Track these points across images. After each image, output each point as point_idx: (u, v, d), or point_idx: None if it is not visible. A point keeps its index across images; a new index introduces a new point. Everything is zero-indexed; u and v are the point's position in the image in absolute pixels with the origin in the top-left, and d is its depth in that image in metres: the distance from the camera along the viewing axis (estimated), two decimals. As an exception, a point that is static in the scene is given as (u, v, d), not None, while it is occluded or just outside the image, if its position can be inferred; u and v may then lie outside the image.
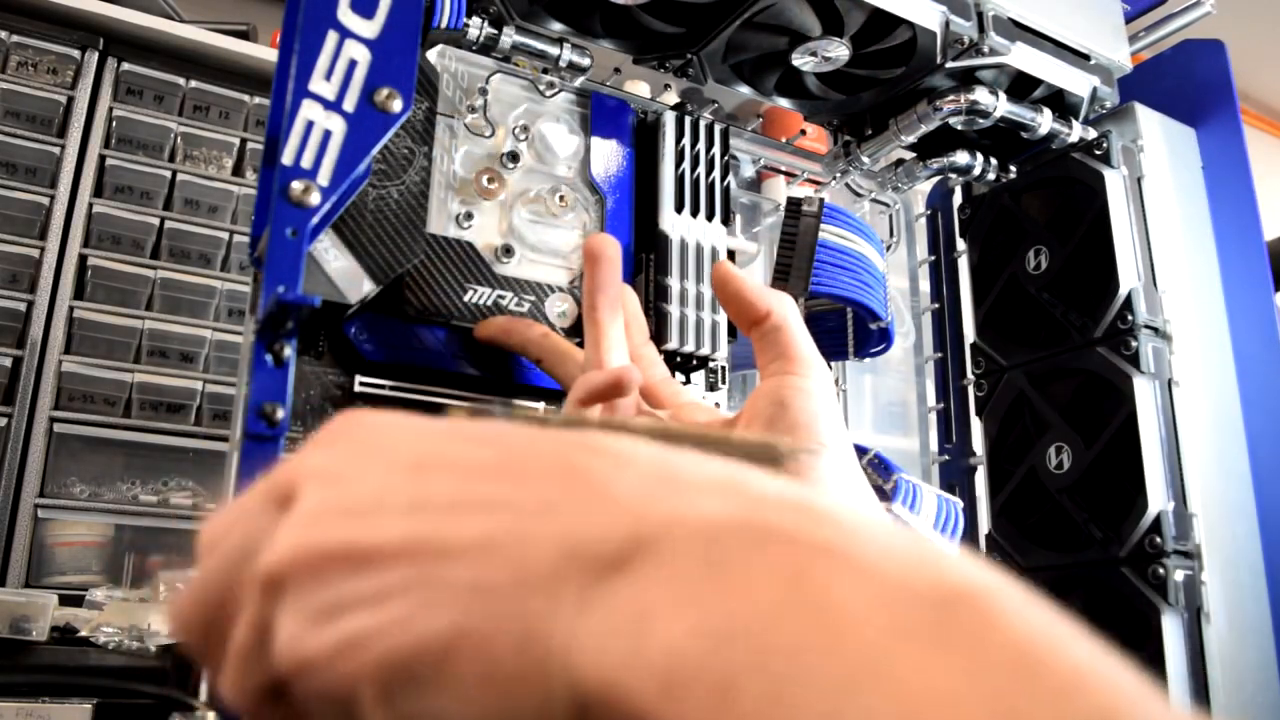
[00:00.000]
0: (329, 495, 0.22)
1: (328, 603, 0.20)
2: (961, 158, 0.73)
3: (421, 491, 0.21)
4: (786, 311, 0.41)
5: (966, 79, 0.67)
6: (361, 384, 0.47)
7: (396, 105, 0.40)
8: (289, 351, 0.35)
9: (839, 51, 0.62)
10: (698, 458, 0.21)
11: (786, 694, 0.15)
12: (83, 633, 0.95)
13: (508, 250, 0.52)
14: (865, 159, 0.73)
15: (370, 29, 0.40)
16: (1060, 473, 0.70)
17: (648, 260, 0.56)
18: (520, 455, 0.21)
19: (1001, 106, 0.67)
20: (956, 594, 0.17)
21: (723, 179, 0.58)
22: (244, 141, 1.65)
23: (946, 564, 0.17)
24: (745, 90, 0.67)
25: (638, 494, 0.19)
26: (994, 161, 0.76)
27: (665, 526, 0.18)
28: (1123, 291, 0.68)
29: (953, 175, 0.76)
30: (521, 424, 0.23)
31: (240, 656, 0.22)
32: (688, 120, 0.58)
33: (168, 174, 1.57)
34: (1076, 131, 0.72)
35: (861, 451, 0.50)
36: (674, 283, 0.55)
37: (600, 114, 0.58)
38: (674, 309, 0.54)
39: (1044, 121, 0.70)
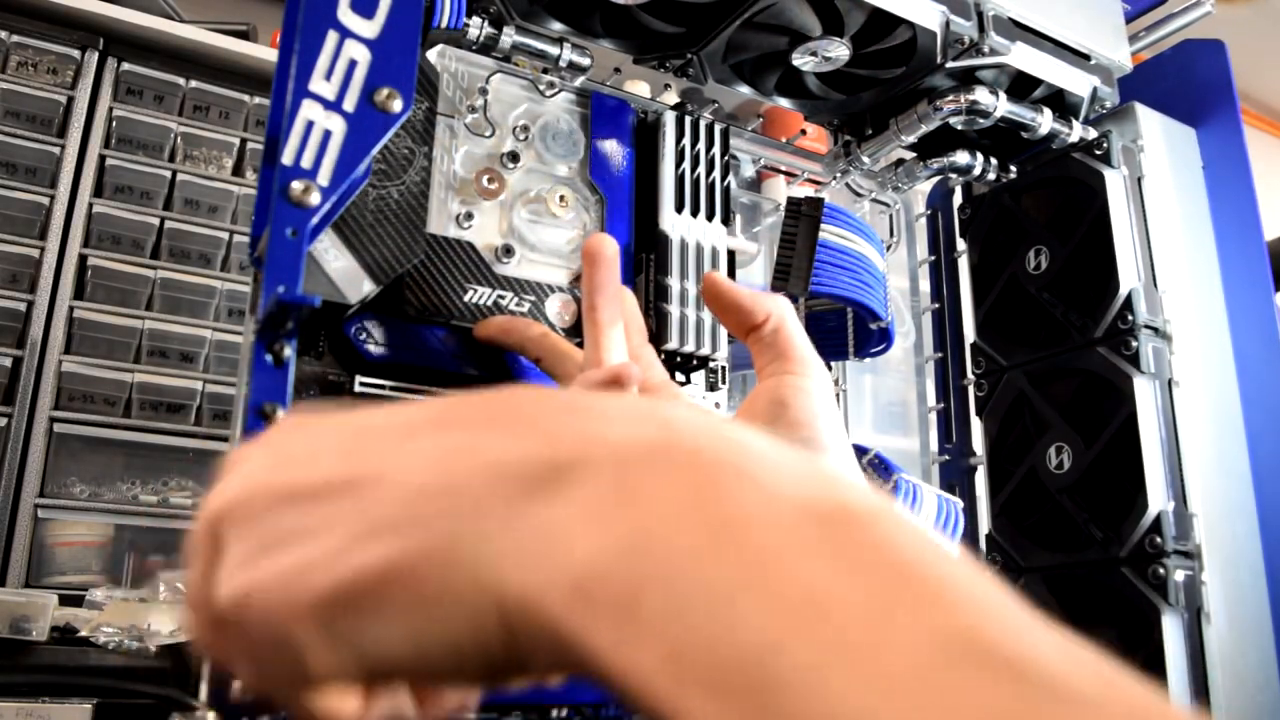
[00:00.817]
0: (263, 455, 0.24)
1: (266, 538, 0.22)
2: (961, 158, 0.73)
3: (355, 443, 0.23)
4: (784, 313, 0.41)
5: (967, 79, 0.67)
6: (361, 384, 0.47)
7: (396, 105, 0.40)
8: (289, 351, 0.35)
9: (839, 51, 0.62)
10: (620, 396, 0.23)
11: (684, 597, 0.17)
12: (83, 633, 0.95)
13: (508, 250, 0.52)
14: (865, 159, 0.73)
15: (370, 29, 0.40)
16: (1060, 473, 0.70)
17: (648, 260, 0.56)
18: (442, 412, 0.23)
19: (1002, 106, 0.67)
20: (846, 511, 0.18)
21: (723, 179, 0.58)
22: (244, 141, 1.65)
23: (841, 486, 0.19)
24: (745, 90, 0.67)
25: (558, 423, 0.21)
26: (994, 161, 0.76)
27: (582, 449, 0.20)
28: (1123, 291, 0.68)
29: (953, 175, 0.76)
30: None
31: (193, 600, 0.23)
32: (688, 120, 0.58)
33: (168, 174, 1.57)
34: (1077, 131, 0.72)
35: (861, 451, 0.50)
36: (674, 283, 0.55)
37: (600, 114, 0.58)
38: (674, 309, 0.54)
39: (1044, 121, 0.70)
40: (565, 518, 0.19)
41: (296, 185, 0.37)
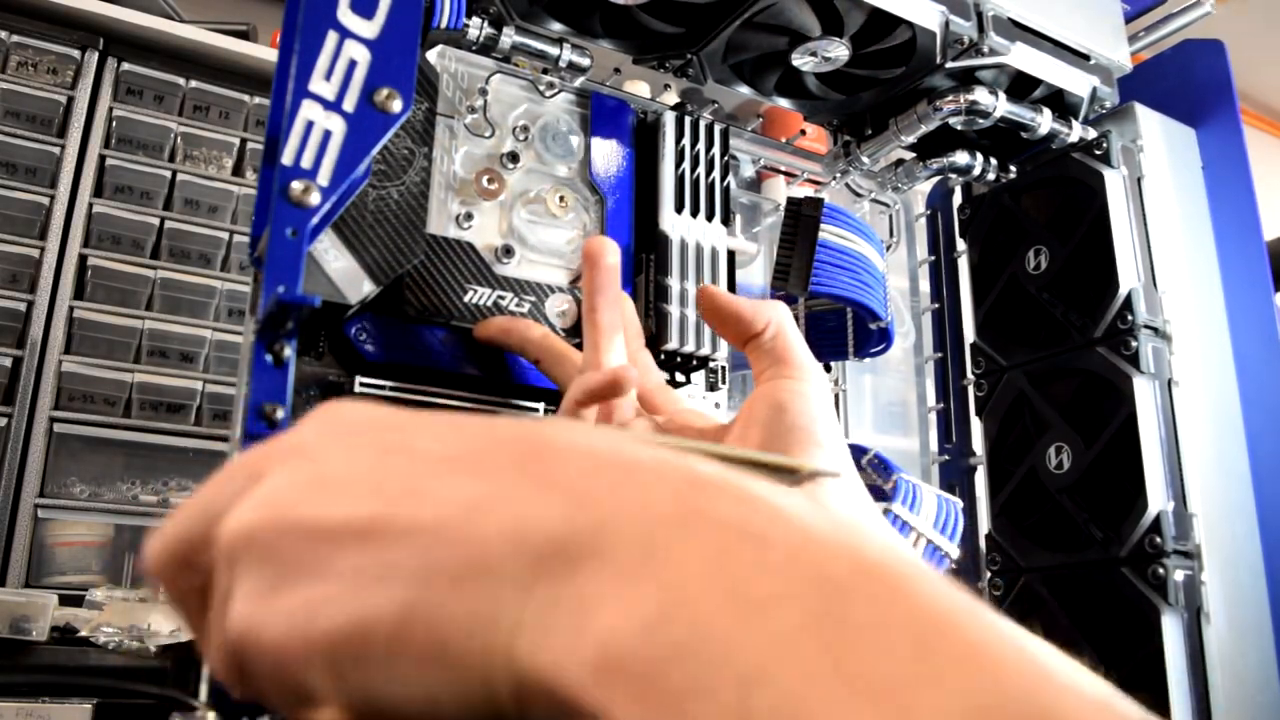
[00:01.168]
0: (294, 472, 0.23)
1: (282, 572, 0.21)
2: (961, 158, 0.73)
3: (383, 475, 0.22)
4: (783, 320, 0.41)
5: (966, 79, 0.67)
6: (361, 384, 0.47)
7: (396, 105, 0.40)
8: (289, 351, 0.35)
9: (839, 51, 0.62)
10: (646, 445, 0.22)
11: (708, 673, 0.17)
12: (83, 633, 0.95)
13: (508, 251, 0.52)
14: (865, 159, 0.73)
15: (370, 29, 0.40)
16: (1060, 473, 0.70)
17: (648, 260, 0.56)
18: (480, 447, 0.22)
19: (1001, 106, 0.67)
20: (875, 575, 0.18)
21: (723, 179, 0.58)
22: (244, 141, 1.65)
23: (865, 545, 0.19)
24: (745, 90, 0.67)
25: (585, 484, 0.20)
26: (994, 161, 0.76)
27: (607, 517, 0.19)
28: (1123, 291, 0.68)
29: (953, 175, 0.76)
30: (493, 416, 0.24)
31: (214, 623, 0.23)
32: (688, 120, 0.58)
33: (168, 174, 1.57)
34: (1076, 131, 0.72)
35: (861, 451, 0.50)
36: (674, 283, 0.55)
37: (600, 114, 0.58)
38: (674, 309, 0.54)
39: (1044, 121, 0.70)
40: (588, 590, 0.19)
41: (296, 185, 0.37)
